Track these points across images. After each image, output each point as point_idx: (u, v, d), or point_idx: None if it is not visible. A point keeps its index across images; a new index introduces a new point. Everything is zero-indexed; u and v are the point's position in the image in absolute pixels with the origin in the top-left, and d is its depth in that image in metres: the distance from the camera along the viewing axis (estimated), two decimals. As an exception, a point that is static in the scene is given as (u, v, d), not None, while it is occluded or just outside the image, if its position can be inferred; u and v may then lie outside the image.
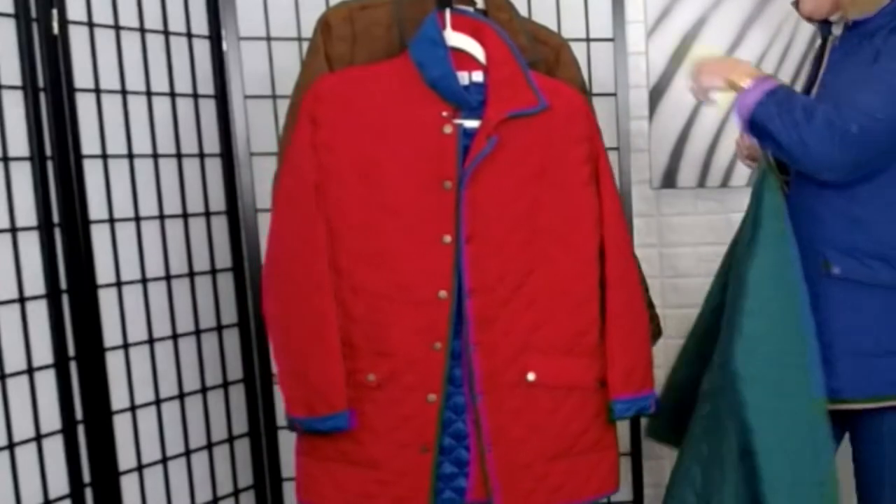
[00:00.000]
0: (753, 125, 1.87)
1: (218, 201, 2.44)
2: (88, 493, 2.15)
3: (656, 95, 2.71)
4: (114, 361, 2.19)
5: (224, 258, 2.45)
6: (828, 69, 1.98)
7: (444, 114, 1.80)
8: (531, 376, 1.85)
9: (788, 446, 1.83)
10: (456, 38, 1.82)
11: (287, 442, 2.48)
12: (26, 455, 2.03)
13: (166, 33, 2.30)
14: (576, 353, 1.89)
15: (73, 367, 2.11)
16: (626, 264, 1.94)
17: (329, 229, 1.80)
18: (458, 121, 1.80)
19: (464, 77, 1.83)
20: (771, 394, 1.82)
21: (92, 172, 2.14)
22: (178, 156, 2.34)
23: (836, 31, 1.99)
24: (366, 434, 1.84)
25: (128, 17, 2.22)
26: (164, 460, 2.32)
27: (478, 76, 1.83)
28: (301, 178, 1.79)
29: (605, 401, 1.92)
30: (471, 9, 1.87)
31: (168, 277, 2.32)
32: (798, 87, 2.08)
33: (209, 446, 2.43)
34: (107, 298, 2.18)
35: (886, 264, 1.88)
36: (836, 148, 1.78)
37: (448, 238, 1.80)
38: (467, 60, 1.83)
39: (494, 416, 1.85)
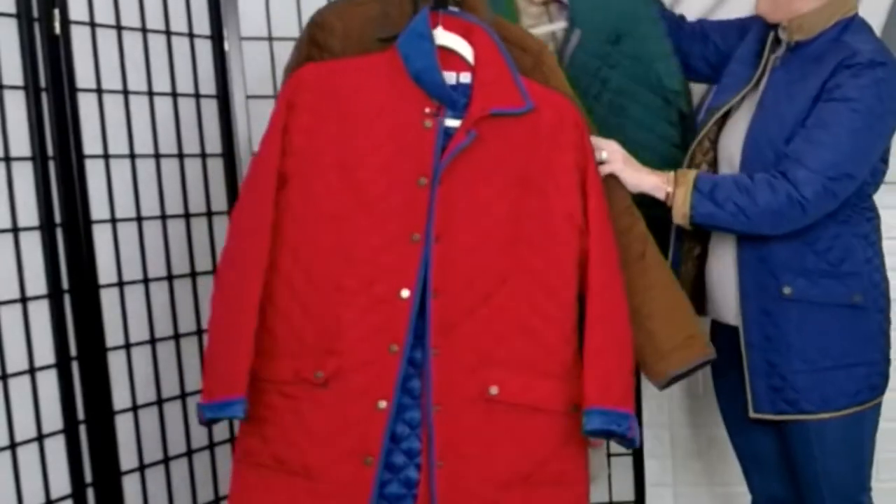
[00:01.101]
0: (698, 225, 1.92)
1: (220, 201, 2.43)
2: (90, 493, 2.15)
3: (658, 95, 2.70)
4: (115, 361, 2.20)
5: (226, 258, 2.45)
6: (767, 89, 1.98)
7: (427, 110, 1.75)
8: (494, 390, 1.72)
9: None
10: (446, 37, 1.78)
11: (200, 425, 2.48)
12: (28, 455, 2.03)
13: (168, 33, 2.30)
14: (544, 372, 1.75)
15: (74, 367, 2.11)
16: (611, 274, 1.80)
17: (297, 217, 1.73)
18: (440, 118, 1.75)
19: (451, 77, 1.78)
20: None
21: (94, 172, 2.14)
22: (180, 156, 2.34)
23: (780, 47, 2.00)
24: (303, 438, 1.70)
25: (129, 17, 2.22)
26: (166, 460, 2.32)
27: (465, 77, 1.79)
28: (264, 162, 1.73)
29: (577, 428, 1.73)
30: (457, 9, 1.84)
31: (170, 277, 2.32)
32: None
33: (211, 446, 2.43)
34: (108, 298, 2.18)
35: (836, 281, 1.93)
36: (787, 213, 1.84)
37: (417, 236, 1.71)
38: (456, 61, 1.79)
39: (447, 431, 1.71)
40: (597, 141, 1.87)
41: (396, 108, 1.74)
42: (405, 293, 1.70)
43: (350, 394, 1.70)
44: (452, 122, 1.75)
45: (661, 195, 1.91)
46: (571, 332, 1.77)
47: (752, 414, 2.01)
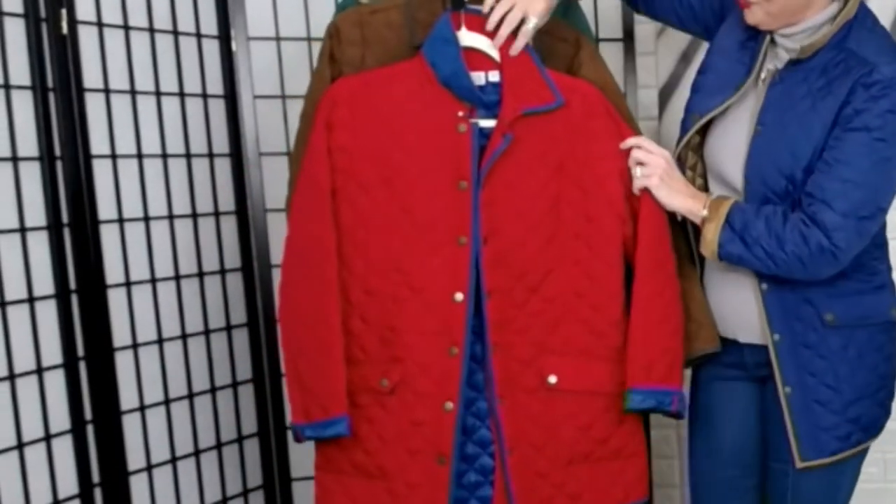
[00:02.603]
0: (724, 259, 1.81)
1: (227, 201, 2.43)
2: (97, 493, 2.15)
3: (666, 95, 2.70)
4: (123, 361, 2.19)
5: (233, 258, 2.45)
6: (767, 107, 1.81)
7: (461, 113, 1.78)
8: (552, 379, 1.79)
9: None
10: (470, 38, 1.80)
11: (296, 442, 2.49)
12: (35, 455, 2.03)
13: (175, 33, 2.30)
14: (596, 357, 1.82)
15: (82, 367, 2.11)
16: (662, 256, 1.83)
17: (347, 232, 1.79)
18: (473, 120, 1.78)
19: (480, 77, 1.81)
20: None
21: (101, 172, 2.14)
22: (188, 156, 2.34)
23: (776, 61, 1.84)
24: (375, 442, 1.79)
25: (137, 17, 2.22)
26: (174, 460, 2.32)
27: (494, 76, 1.81)
28: (315, 184, 1.78)
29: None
30: (483, 8, 1.85)
31: (177, 277, 2.32)
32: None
33: (218, 446, 2.43)
34: (116, 298, 2.18)
35: (872, 297, 1.85)
36: (818, 261, 1.73)
37: (464, 239, 1.76)
38: (483, 60, 1.82)
39: (514, 421, 1.79)
40: (640, 154, 1.81)
41: (429, 115, 1.78)
42: (459, 296, 1.76)
43: (416, 397, 1.77)
44: (486, 123, 1.79)
45: (696, 220, 1.81)
46: (620, 317, 1.83)
47: (798, 464, 1.84)
